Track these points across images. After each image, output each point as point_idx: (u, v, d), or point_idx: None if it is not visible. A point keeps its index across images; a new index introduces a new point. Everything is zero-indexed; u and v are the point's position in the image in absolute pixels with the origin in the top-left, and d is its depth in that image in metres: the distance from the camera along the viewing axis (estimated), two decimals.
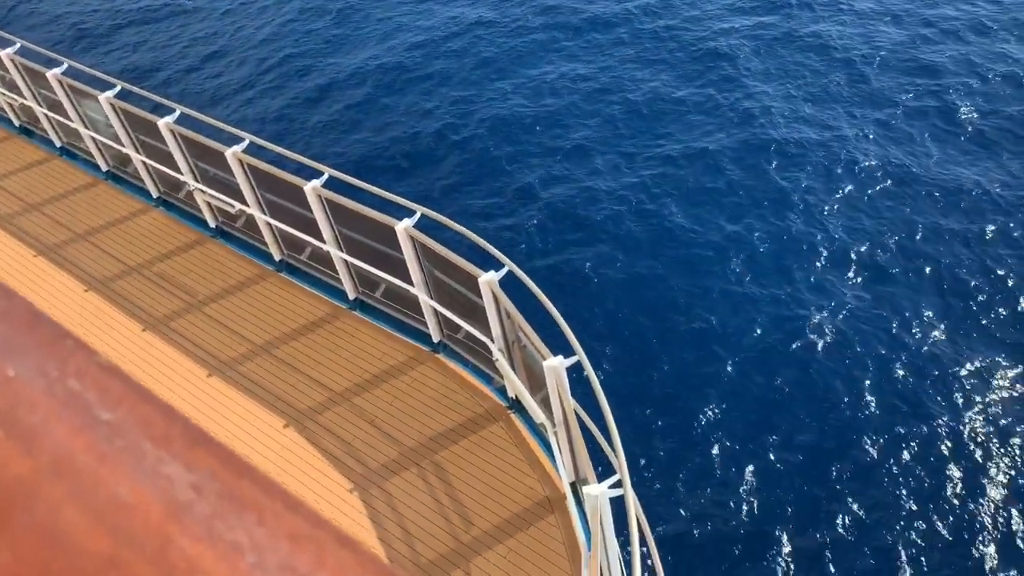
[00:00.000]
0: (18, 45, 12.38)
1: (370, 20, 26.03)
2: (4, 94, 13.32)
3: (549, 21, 24.75)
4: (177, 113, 10.14)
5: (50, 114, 12.41)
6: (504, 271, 7.49)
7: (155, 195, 11.70)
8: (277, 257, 10.51)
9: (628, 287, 16.01)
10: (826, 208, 17.27)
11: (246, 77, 24.10)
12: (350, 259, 9.33)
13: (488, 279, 7.46)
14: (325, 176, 8.88)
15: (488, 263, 7.60)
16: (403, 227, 8.18)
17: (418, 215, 8.22)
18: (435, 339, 9.26)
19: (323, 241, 9.34)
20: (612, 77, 22.10)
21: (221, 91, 23.70)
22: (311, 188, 8.81)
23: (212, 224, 11.07)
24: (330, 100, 22.51)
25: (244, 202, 9.98)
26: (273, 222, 9.97)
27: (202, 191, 10.55)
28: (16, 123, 13.78)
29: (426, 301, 8.79)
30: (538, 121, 20.69)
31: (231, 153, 9.44)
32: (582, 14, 24.94)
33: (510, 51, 23.65)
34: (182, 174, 10.56)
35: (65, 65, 11.28)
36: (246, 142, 9.55)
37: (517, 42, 24.02)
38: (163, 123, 10.03)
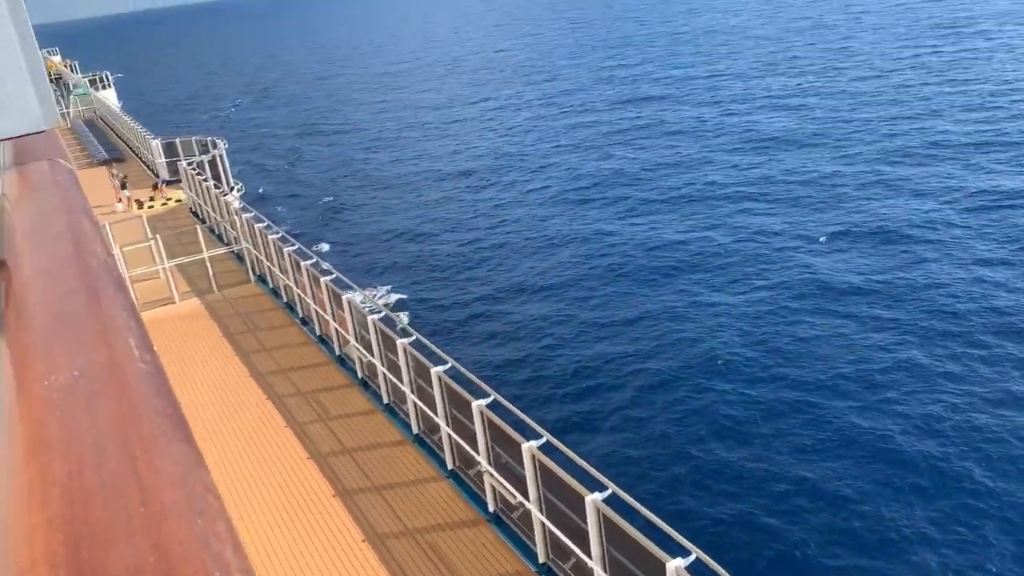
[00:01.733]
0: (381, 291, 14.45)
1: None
2: (357, 348, 15.42)
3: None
4: (491, 398, 10.94)
5: (388, 374, 14.03)
6: None
7: (449, 466, 12.41)
8: (541, 559, 10.40)
9: None
10: None
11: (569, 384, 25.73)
12: None
13: None
14: (608, 492, 8.84)
15: None
16: (673, 566, 7.74)
17: (692, 557, 7.77)
18: None
19: (589, 556, 9.12)
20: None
21: (547, 395, 25.42)
22: (591, 501, 8.79)
23: (491, 508, 11.37)
24: (646, 429, 23.05)
25: (527, 496, 10.18)
26: (548, 523, 10.00)
27: (491, 475, 11.00)
28: (359, 375, 15.76)
29: None
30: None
31: (527, 447, 9.84)
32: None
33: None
34: (478, 454, 11.16)
35: (414, 337, 12.86)
36: (543, 440, 9.92)
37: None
38: (476, 405, 10.85)
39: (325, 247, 40.91)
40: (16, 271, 1.03)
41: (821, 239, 33.15)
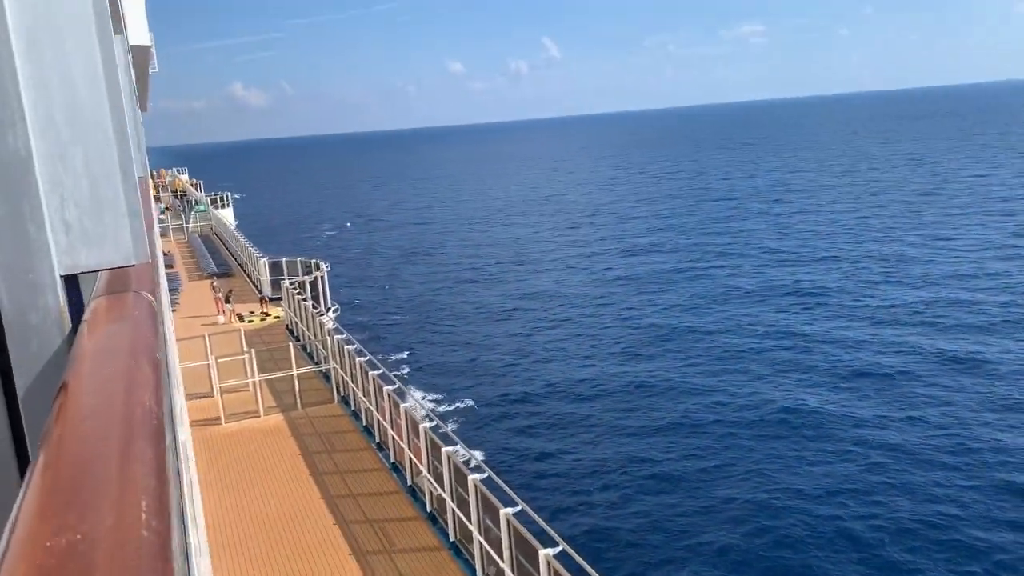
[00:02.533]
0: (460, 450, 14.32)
1: None
2: (428, 479, 15.24)
3: None
4: (559, 548, 10.55)
5: (457, 511, 13.76)
6: None
7: None
8: None
9: None
10: None
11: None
12: None
13: None
14: None
15: None
16: None
17: None
18: None
19: None
20: None
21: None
22: None
23: None
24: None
25: None
26: None
27: None
28: (428, 507, 15.53)
29: None
30: None
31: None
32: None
33: None
34: None
35: (486, 475, 12.67)
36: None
37: None
38: (544, 554, 10.49)
39: (408, 372, 41.39)
40: (68, 401, 1.05)
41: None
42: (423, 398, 35.54)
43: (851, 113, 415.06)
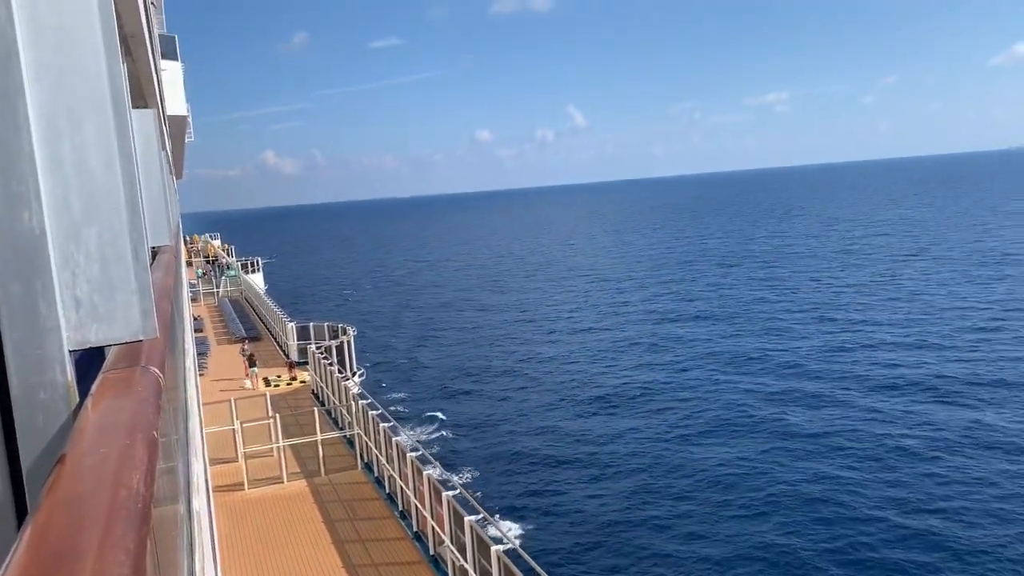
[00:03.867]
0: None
1: None
2: (451, 549, 15.01)
3: None
4: None
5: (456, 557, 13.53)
6: None
7: None
8: None
9: None
10: None
11: None
12: None
13: None
14: None
15: None
16: None
17: None
18: None
19: None
20: None
21: None
22: None
23: None
24: None
25: None
26: None
27: None
28: (431, 551, 15.41)
29: None
30: None
31: None
32: None
33: None
34: None
35: (509, 546, 12.46)
36: None
37: None
38: None
39: (433, 439, 41.12)
40: (63, 475, 1.06)
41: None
42: (447, 465, 35.24)
43: (880, 179, 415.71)
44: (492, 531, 14.13)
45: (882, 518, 28.80)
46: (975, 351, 50.31)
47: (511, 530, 27.14)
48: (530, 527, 30.09)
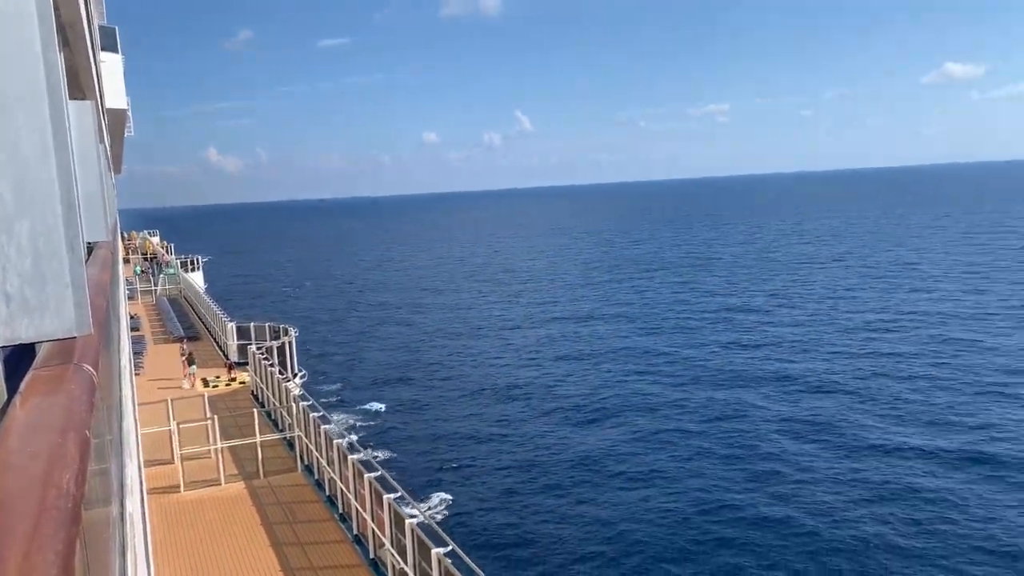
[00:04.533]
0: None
1: None
2: (391, 553, 14.91)
3: None
4: None
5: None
6: None
7: None
8: None
9: None
10: None
11: None
12: None
13: None
14: None
15: None
16: None
17: None
18: None
19: None
20: None
21: None
22: None
23: None
24: None
25: None
26: None
27: None
28: (371, 554, 15.36)
29: None
30: None
31: None
32: None
33: None
34: None
35: (450, 548, 12.44)
36: None
37: None
38: None
39: (375, 441, 40.77)
40: None
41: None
42: (389, 467, 35.01)
43: (817, 190, 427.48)
44: (434, 532, 14.07)
45: (753, 502, 31.26)
46: (865, 350, 54.80)
47: (453, 533, 27.11)
48: (472, 529, 30.05)
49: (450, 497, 33.62)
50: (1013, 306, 67.67)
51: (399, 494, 15.72)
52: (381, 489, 15.86)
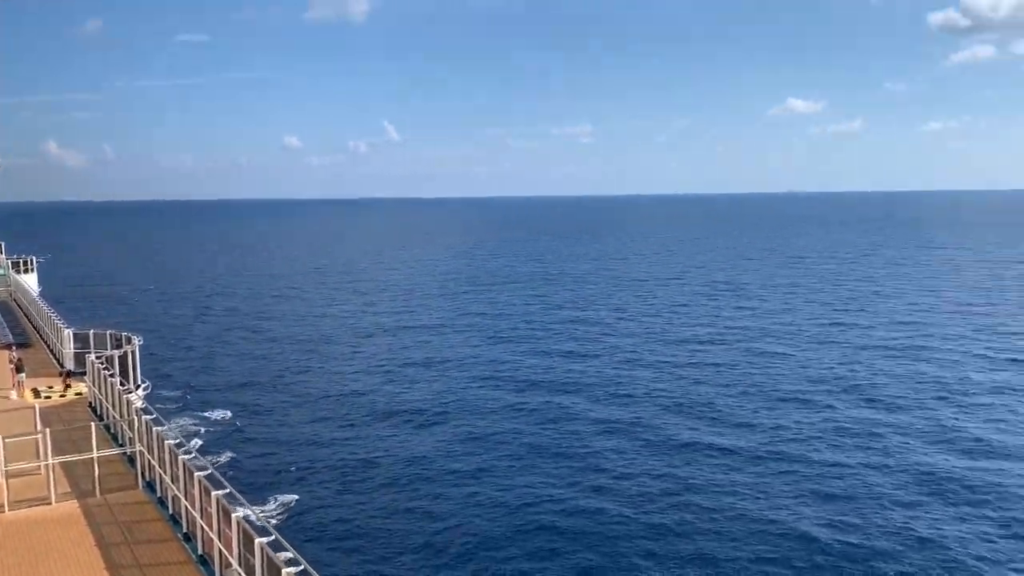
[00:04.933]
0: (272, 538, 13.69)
1: None
2: (239, 573, 14.40)
3: None
4: None
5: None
6: None
7: None
8: None
9: None
10: None
11: None
12: None
13: None
14: None
15: None
16: None
17: None
18: None
19: None
20: None
21: None
22: None
23: None
24: None
25: None
26: None
27: None
28: (217, 574, 14.87)
29: None
30: None
31: None
32: None
33: None
34: None
35: (302, 567, 12.20)
36: None
37: None
38: None
39: (222, 457, 39.26)
40: None
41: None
42: (233, 474, 33.83)
43: (668, 213, 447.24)
44: (286, 554, 13.64)
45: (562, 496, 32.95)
46: (691, 360, 59.61)
47: (305, 552, 26.46)
48: (326, 546, 29.44)
49: (295, 498, 34.10)
50: (822, 324, 74.15)
51: (248, 511, 15.22)
52: (229, 506, 15.30)
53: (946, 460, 37.61)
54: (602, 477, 36.06)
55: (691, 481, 35.41)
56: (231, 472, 35.50)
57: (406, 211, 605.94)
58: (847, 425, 43.12)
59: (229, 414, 46.50)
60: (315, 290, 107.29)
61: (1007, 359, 58.89)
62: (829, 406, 46.91)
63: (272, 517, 31.42)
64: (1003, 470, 36.24)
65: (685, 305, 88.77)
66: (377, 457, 39.28)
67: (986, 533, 29.94)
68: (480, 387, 52.96)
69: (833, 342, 66.12)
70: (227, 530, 15.05)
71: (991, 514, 31.60)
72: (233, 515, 14.66)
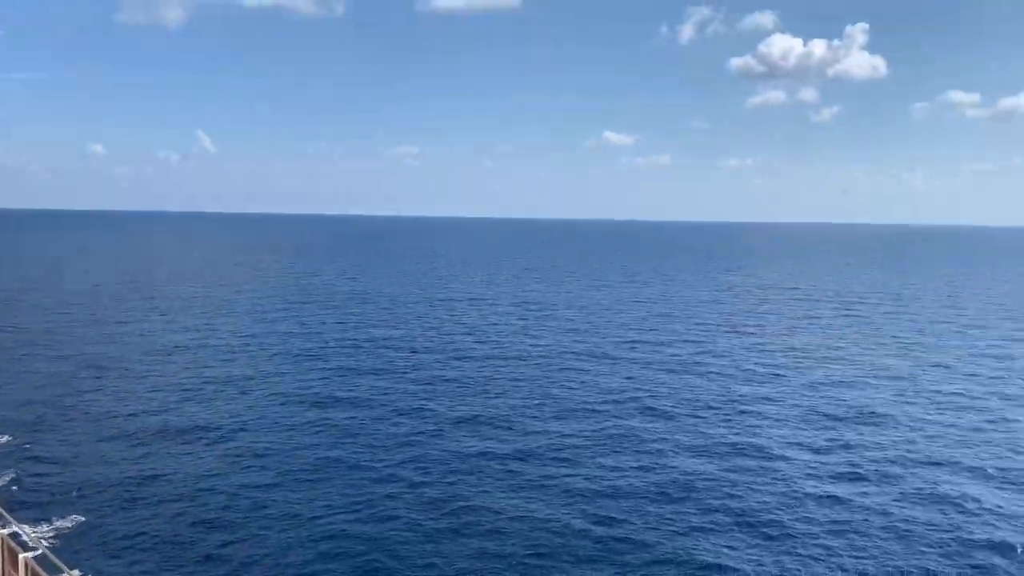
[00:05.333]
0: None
1: None
2: None
3: None
4: None
5: None
6: None
7: None
8: None
9: None
10: None
11: None
12: None
13: None
14: None
15: None
16: None
17: None
18: None
19: None
20: None
21: None
22: None
23: None
24: None
25: None
26: None
27: None
28: None
29: None
30: None
31: None
32: None
33: None
34: None
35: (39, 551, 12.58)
36: None
37: None
38: None
39: (2, 481, 37.25)
40: None
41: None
42: (14, 503, 32.37)
43: (491, 235, 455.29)
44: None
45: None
46: (492, 377, 62.14)
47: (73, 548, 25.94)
48: (99, 551, 28.93)
49: (80, 518, 32.39)
50: (617, 342, 78.91)
51: (40, 552, 14.00)
52: (16, 547, 14.25)
53: (709, 462, 42.10)
54: (394, 486, 37.50)
55: (480, 488, 37.56)
56: (7, 495, 33.98)
57: (221, 226, 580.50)
58: (626, 432, 47.07)
59: (8, 437, 43.93)
60: (113, 306, 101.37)
61: (771, 374, 66.03)
62: (616, 416, 50.88)
63: (49, 536, 30.44)
64: (763, 468, 41.06)
65: (495, 324, 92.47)
66: (167, 474, 38.59)
67: (725, 523, 34.23)
68: (282, 403, 52.98)
69: (624, 359, 71.21)
70: (14, 573, 14.12)
71: (735, 506, 35.94)
72: (21, 556, 13.73)
